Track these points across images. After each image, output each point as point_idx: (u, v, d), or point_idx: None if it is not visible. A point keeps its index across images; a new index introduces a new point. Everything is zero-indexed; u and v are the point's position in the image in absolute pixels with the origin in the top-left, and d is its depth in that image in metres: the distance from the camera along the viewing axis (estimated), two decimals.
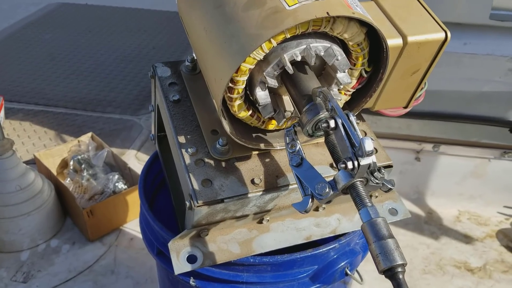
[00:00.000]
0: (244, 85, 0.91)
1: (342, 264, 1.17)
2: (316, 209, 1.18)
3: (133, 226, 2.51)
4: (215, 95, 0.94)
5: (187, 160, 1.03)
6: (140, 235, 2.44)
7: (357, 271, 1.28)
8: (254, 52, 0.84)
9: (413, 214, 2.57)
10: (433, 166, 2.52)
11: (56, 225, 2.44)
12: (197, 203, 0.97)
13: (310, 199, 0.85)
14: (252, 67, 0.88)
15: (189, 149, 1.04)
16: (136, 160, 2.95)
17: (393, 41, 0.97)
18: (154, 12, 5.49)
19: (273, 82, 0.90)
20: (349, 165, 0.78)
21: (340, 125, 0.82)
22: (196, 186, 0.99)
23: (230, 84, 0.90)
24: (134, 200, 2.44)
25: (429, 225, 2.54)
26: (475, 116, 2.23)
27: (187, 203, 0.99)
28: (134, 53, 4.49)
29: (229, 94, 0.92)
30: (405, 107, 1.16)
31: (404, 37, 0.97)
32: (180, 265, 1.04)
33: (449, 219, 2.58)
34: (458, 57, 2.06)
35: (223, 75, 0.88)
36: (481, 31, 2.02)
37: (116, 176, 2.48)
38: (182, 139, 1.07)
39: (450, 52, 2.10)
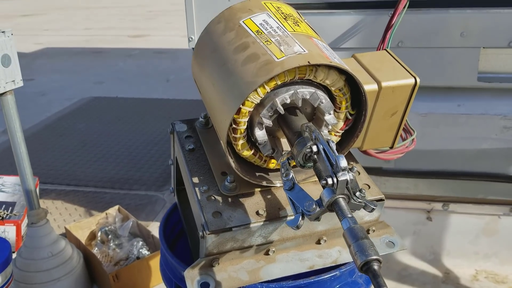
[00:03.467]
0: (245, 126, 1.09)
1: None
2: (318, 242, 1.30)
3: None
4: (221, 135, 1.12)
5: (200, 196, 1.20)
6: None
7: None
8: (251, 96, 1.03)
9: (430, 275, 2.60)
10: (445, 225, 2.58)
11: None
12: (208, 231, 1.12)
13: (301, 217, 0.99)
14: (251, 109, 1.06)
15: (201, 187, 1.21)
16: None
17: (369, 87, 1.15)
18: (179, 101, 5.91)
19: (268, 122, 1.08)
20: (329, 181, 0.93)
21: (321, 149, 0.98)
22: (207, 217, 1.15)
23: (234, 125, 1.08)
24: (157, 265, 2.54)
25: (446, 284, 2.56)
26: (478, 173, 2.34)
27: (200, 233, 1.14)
28: (160, 137, 4.81)
29: (233, 135, 1.10)
30: (391, 147, 1.32)
31: (378, 83, 1.16)
32: None
33: (467, 278, 2.59)
34: (454, 117, 2.22)
35: (227, 117, 1.06)
36: (472, 93, 2.19)
37: (140, 243, 2.62)
38: (196, 179, 1.24)
39: (446, 114, 2.26)
